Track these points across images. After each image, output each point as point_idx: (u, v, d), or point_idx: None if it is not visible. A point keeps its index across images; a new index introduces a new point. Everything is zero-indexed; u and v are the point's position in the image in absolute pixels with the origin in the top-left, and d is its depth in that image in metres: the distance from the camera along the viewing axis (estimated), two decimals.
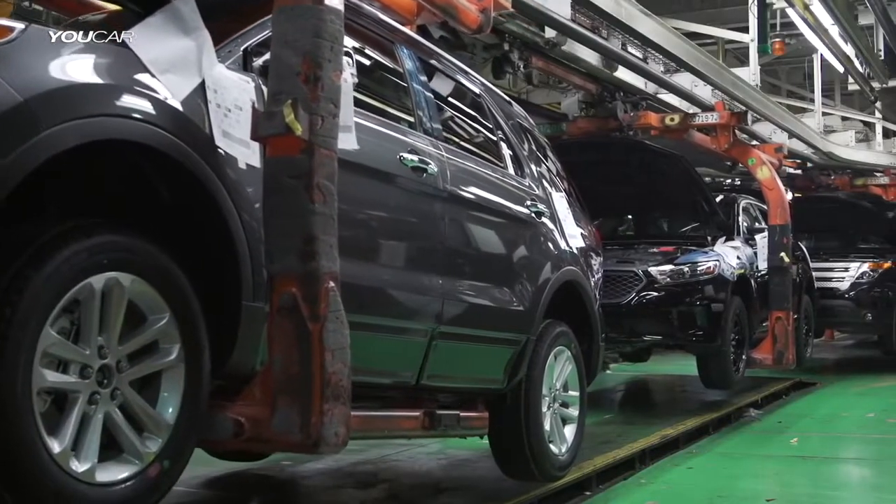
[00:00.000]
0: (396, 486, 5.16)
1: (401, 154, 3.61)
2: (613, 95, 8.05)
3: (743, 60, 11.83)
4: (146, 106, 2.48)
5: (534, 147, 5.20)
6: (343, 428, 2.69)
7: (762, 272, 8.49)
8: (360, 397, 3.57)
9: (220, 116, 2.75)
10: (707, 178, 11.59)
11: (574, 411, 4.91)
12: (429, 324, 3.74)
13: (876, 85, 12.30)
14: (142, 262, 2.48)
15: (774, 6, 10.64)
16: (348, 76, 3.13)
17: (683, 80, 8.75)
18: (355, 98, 3.36)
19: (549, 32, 6.73)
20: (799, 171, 11.89)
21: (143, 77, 2.53)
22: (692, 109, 8.86)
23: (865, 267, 11.04)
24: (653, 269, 7.54)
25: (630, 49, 7.80)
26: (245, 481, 5.19)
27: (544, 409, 4.61)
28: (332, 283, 2.69)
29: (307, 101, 2.65)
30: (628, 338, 7.64)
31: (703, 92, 8.93)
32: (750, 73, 9.82)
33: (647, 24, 7.09)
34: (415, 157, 3.67)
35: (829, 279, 10.70)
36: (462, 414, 4.18)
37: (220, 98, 2.76)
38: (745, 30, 10.28)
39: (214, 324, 2.72)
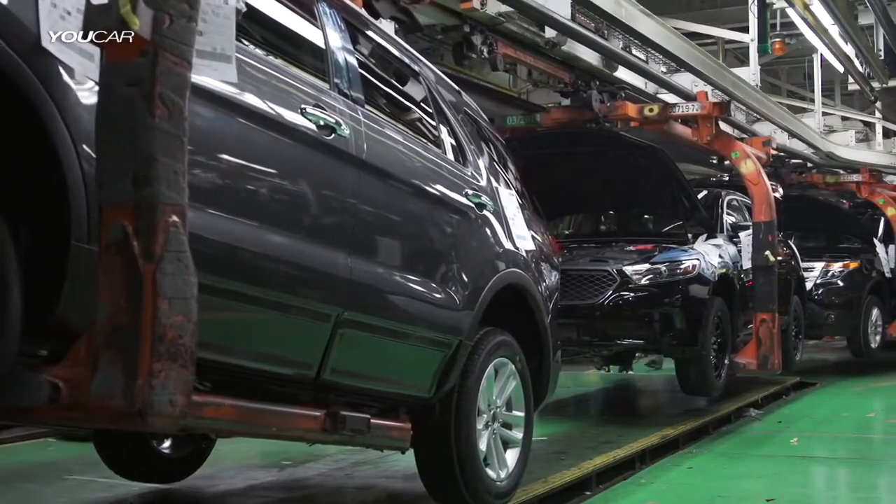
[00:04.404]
0: (396, 486, 5.02)
1: (303, 106, 3.15)
2: (588, 84, 7.58)
3: (743, 60, 11.84)
4: None
5: (492, 151, 4.83)
6: (181, 396, 2.18)
7: (747, 272, 7.99)
8: (250, 388, 3.07)
9: (55, 17, 2.26)
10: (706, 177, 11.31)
11: (518, 434, 4.39)
12: (330, 307, 3.22)
13: (876, 85, 12.14)
14: None
15: (774, 6, 10.61)
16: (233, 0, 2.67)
17: (684, 79, 8.55)
18: (257, 50, 3.00)
19: (550, 32, 6.61)
20: (770, 169, 11.52)
21: None
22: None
23: (835, 267, 10.83)
24: (627, 269, 7.08)
25: (617, 41, 7.58)
26: (243, 481, 5.06)
27: (480, 426, 4.10)
28: (174, 218, 2.19)
29: None
30: (601, 341, 7.18)
31: None
32: (750, 73, 9.75)
33: (647, 25, 6.98)
34: (322, 114, 3.22)
35: None
36: (374, 420, 3.58)
37: None
38: (745, 30, 10.29)
39: (39, 267, 2.25)
